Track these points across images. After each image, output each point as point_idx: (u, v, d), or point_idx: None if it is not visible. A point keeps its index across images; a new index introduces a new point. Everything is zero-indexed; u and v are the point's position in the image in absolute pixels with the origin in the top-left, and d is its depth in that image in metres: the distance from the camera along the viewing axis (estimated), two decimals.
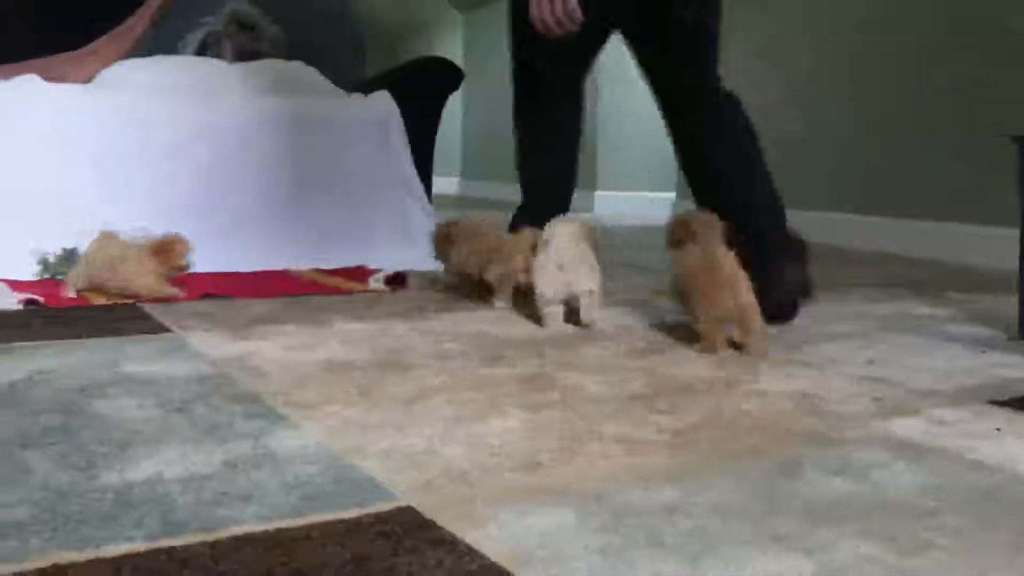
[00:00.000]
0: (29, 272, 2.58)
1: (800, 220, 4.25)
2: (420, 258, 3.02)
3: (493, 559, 0.88)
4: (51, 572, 0.84)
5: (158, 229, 2.64)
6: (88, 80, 3.10)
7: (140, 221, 2.68)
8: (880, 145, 3.88)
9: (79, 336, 1.87)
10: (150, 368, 1.62)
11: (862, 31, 3.97)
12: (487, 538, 0.92)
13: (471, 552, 0.89)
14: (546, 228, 2.07)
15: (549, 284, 2.02)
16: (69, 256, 2.63)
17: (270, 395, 1.45)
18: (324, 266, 2.90)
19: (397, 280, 2.63)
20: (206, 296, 2.37)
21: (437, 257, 2.52)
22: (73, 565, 0.85)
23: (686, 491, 1.06)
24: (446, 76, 3.28)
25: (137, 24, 3.35)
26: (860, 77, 3.97)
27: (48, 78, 2.89)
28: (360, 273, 2.77)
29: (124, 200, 2.80)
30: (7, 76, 2.84)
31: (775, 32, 4.46)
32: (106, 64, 3.19)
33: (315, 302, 2.35)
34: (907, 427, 1.34)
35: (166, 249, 2.34)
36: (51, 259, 2.62)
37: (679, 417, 1.37)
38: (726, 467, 1.16)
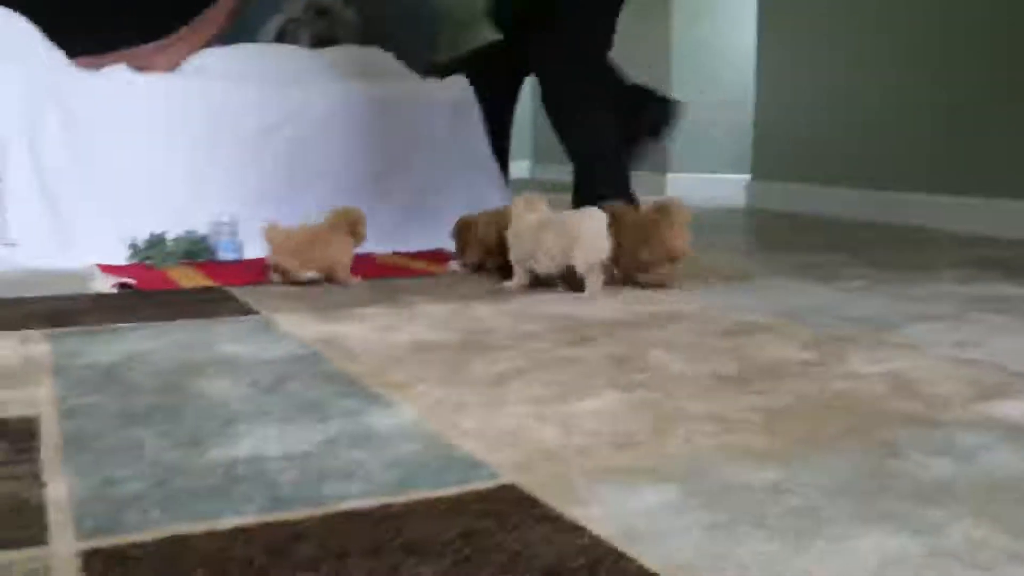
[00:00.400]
0: (120, 257, 2.65)
1: (891, 201, 4.20)
2: None
3: (600, 535, 0.88)
4: (171, 543, 0.86)
5: (242, 214, 2.70)
6: (173, 69, 3.16)
7: (225, 206, 2.74)
8: (970, 125, 3.79)
9: (172, 318, 1.92)
10: (243, 348, 1.65)
11: (949, 5, 3.88)
12: (591, 515, 0.93)
13: (577, 528, 0.90)
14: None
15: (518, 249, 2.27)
16: (157, 241, 2.69)
17: (361, 375, 1.47)
18: (403, 249, 2.92)
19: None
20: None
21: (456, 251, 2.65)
22: (191, 536, 0.88)
23: (788, 470, 1.05)
24: (524, 60, 3.27)
25: (218, 12, 3.41)
26: (949, 56, 3.88)
27: (136, 67, 2.96)
28: (439, 256, 2.79)
29: (208, 185, 2.86)
30: (98, 66, 2.91)
31: (858, 10, 4.38)
32: (190, 52, 3.24)
33: (396, 284, 2.38)
34: (1010, 409, 1.31)
35: (354, 221, 2.40)
36: (140, 244, 2.68)
37: (771, 397, 1.36)
38: (826, 447, 1.14)
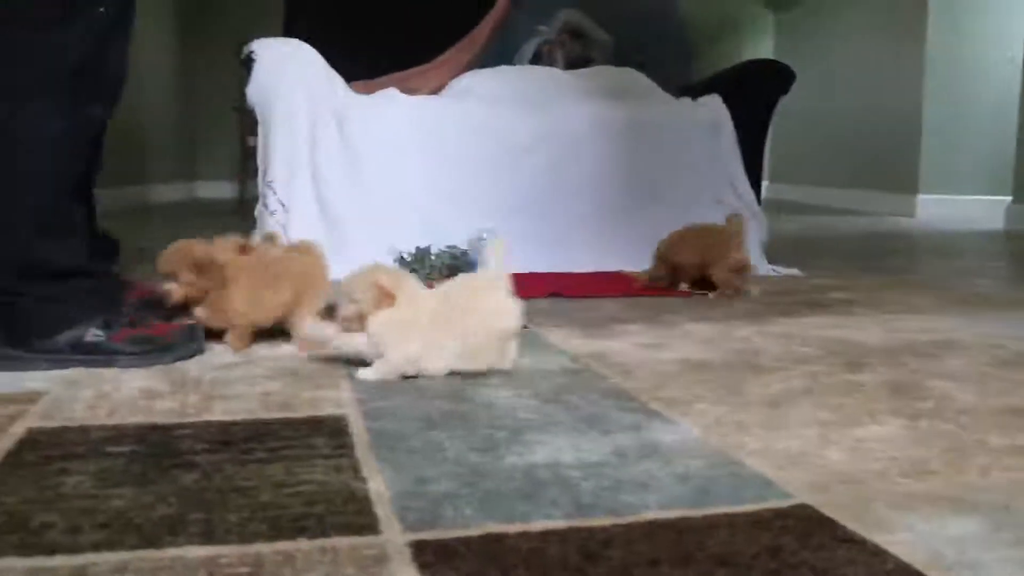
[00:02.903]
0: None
1: None
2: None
3: (908, 561, 0.87)
4: (489, 540, 0.93)
5: (500, 230, 2.80)
6: (439, 90, 3.32)
7: (483, 222, 2.85)
8: None
9: None
10: (518, 361, 1.72)
11: None
12: (896, 541, 0.92)
13: (882, 553, 0.90)
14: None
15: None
16: (422, 255, 2.84)
17: (637, 391, 1.51)
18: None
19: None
20: (553, 295, 2.48)
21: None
22: (507, 535, 0.94)
23: None
24: (778, 79, 3.24)
25: (478, 36, 3.56)
26: None
27: (404, 89, 3.14)
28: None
29: (469, 202, 2.98)
30: (370, 90, 3.11)
31: None
32: (452, 76, 3.40)
33: (653, 303, 2.41)
34: None
35: None
36: (406, 257, 2.83)
37: None
38: None
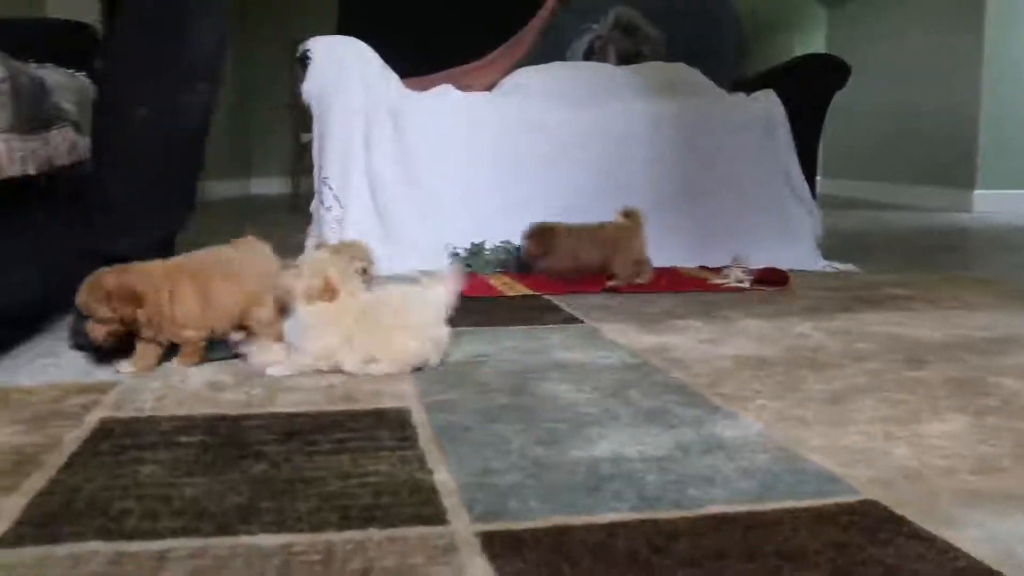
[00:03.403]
0: (442, 264, 2.83)
1: None
2: (801, 258, 2.99)
3: (979, 558, 0.87)
4: (556, 532, 0.94)
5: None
6: (489, 88, 3.33)
7: (537, 218, 2.85)
8: None
9: (502, 324, 2.04)
10: (578, 355, 1.73)
11: None
12: (966, 538, 0.92)
13: (952, 549, 0.89)
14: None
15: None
16: (476, 250, 2.85)
17: (696, 386, 1.51)
18: (707, 264, 2.94)
19: (779, 279, 2.62)
20: (607, 290, 2.49)
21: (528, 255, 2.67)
22: (573, 527, 0.95)
23: None
24: (833, 73, 3.21)
25: (529, 33, 3.56)
26: None
27: (457, 86, 3.15)
28: (773, 274, 2.76)
29: (522, 198, 2.99)
30: (424, 87, 3.12)
31: None
32: (505, 72, 3.41)
33: (707, 298, 2.40)
34: None
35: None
36: (461, 253, 2.85)
37: None
38: None
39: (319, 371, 1.60)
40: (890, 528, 0.95)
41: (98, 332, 1.55)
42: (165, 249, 1.79)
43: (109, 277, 1.55)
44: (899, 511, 0.99)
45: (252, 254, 1.76)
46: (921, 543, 0.91)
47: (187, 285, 1.63)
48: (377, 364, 1.59)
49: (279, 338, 1.69)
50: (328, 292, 1.60)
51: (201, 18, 1.70)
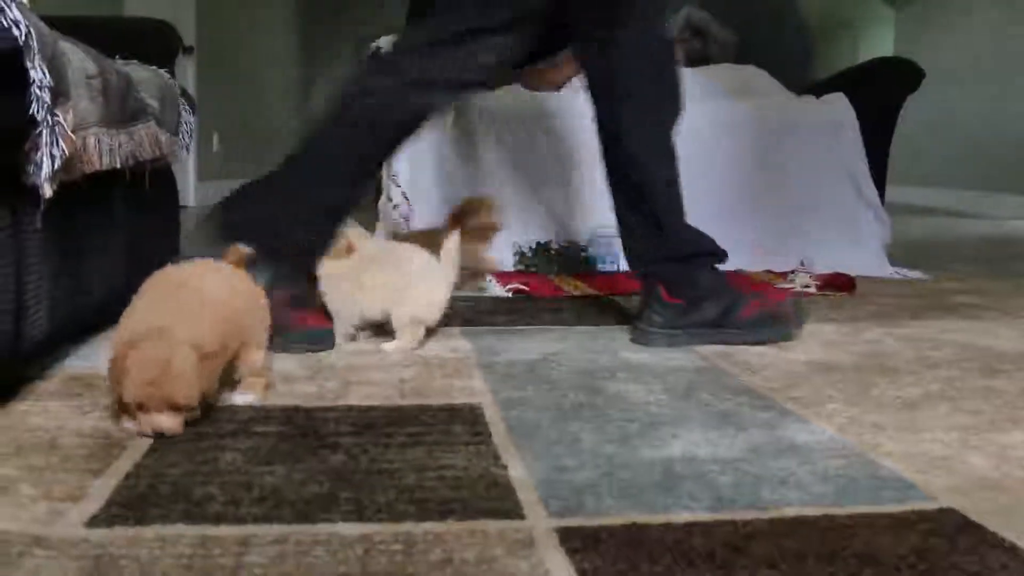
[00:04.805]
0: (508, 262, 2.84)
1: None
2: (868, 263, 2.96)
3: None
4: (633, 529, 0.94)
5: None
6: (560, 87, 3.34)
7: (603, 219, 2.85)
8: None
9: (571, 323, 2.05)
10: (644, 356, 1.73)
11: None
12: None
13: None
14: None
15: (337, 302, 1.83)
16: (541, 248, 2.87)
17: (767, 390, 1.50)
18: (773, 268, 2.92)
19: (846, 285, 2.59)
20: None
21: None
22: (650, 526, 0.95)
23: None
24: (906, 77, 3.16)
25: None
26: None
27: (525, 85, 3.16)
28: (839, 280, 2.73)
29: (590, 199, 2.98)
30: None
31: None
32: (574, 73, 3.41)
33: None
34: None
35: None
36: (526, 251, 2.86)
37: None
38: None
39: (351, 331, 1.80)
40: (970, 536, 0.94)
41: None
42: None
43: None
44: (979, 520, 0.98)
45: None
46: (1004, 553, 0.90)
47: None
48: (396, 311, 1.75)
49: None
50: (346, 251, 1.79)
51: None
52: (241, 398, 1.37)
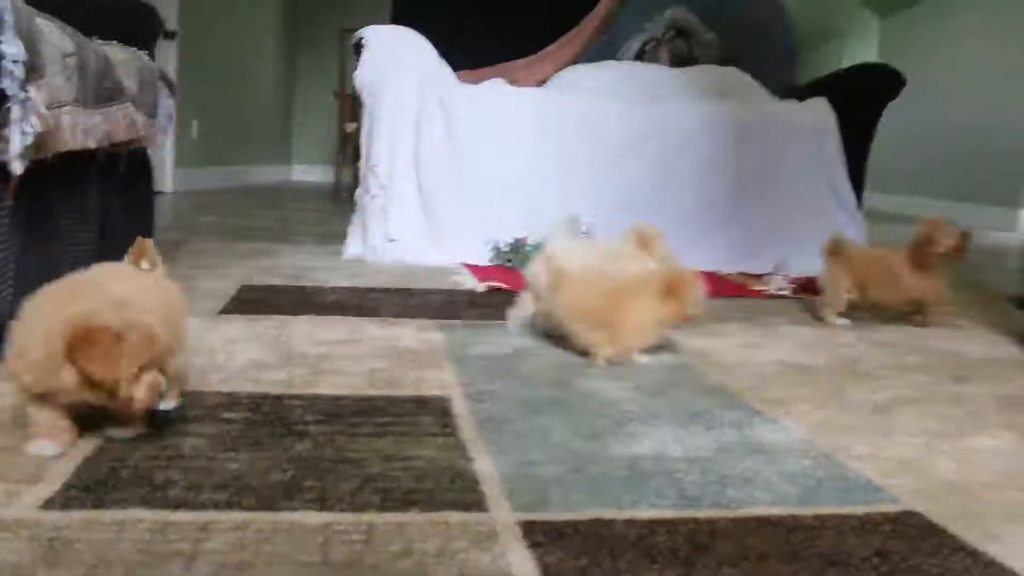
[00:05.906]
0: (483, 257, 2.84)
1: None
2: None
3: None
4: (598, 524, 0.94)
5: (599, 224, 2.79)
6: (542, 84, 3.34)
7: (582, 216, 2.85)
8: None
9: None
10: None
11: None
12: (1013, 554, 0.91)
13: (996, 565, 0.88)
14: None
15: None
16: (517, 246, 2.86)
17: (739, 389, 1.50)
18: (748, 270, 2.92)
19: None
20: None
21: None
22: (615, 521, 0.95)
23: None
24: (887, 84, 3.18)
25: (583, 31, 3.56)
26: None
27: (508, 81, 3.16)
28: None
29: (567, 195, 2.99)
30: (476, 79, 3.13)
31: None
32: (556, 69, 3.42)
33: (748, 304, 2.39)
34: None
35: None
36: (502, 247, 2.86)
37: None
38: None
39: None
40: (934, 540, 0.93)
41: None
42: None
43: None
44: (943, 523, 0.98)
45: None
46: (966, 556, 0.90)
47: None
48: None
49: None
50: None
51: None
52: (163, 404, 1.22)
